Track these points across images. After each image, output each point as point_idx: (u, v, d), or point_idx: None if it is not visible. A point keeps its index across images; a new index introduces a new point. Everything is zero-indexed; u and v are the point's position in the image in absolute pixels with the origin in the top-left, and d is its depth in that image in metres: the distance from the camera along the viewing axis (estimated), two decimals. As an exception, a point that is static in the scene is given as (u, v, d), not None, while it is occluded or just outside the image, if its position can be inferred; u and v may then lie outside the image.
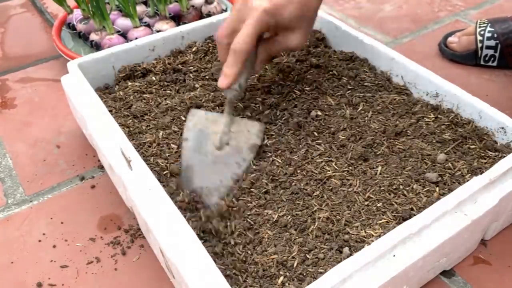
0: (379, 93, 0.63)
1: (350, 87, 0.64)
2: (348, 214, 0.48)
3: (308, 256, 0.45)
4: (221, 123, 0.55)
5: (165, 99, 0.63)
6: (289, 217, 0.48)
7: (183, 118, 0.59)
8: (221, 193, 0.51)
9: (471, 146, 0.54)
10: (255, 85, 0.65)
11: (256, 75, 0.64)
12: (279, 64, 0.68)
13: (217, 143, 0.54)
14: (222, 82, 0.53)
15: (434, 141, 0.55)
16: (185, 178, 0.52)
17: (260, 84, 0.65)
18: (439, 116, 0.58)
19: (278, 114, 0.60)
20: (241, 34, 0.51)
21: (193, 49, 0.71)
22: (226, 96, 0.56)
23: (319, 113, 0.59)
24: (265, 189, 0.51)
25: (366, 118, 0.59)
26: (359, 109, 0.60)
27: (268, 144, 0.56)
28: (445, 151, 0.54)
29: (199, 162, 0.53)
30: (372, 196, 0.49)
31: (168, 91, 0.65)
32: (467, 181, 0.47)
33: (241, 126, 0.56)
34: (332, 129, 0.57)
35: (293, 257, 0.44)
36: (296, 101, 0.62)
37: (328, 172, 0.52)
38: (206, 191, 0.52)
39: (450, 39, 0.83)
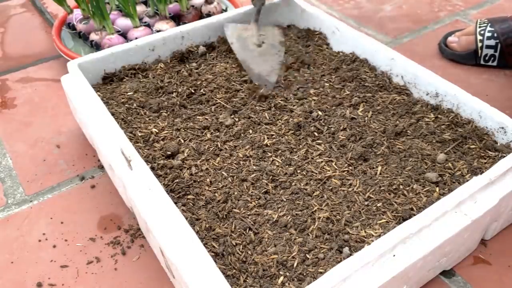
0: (379, 93, 0.63)
1: (351, 87, 0.64)
2: (348, 214, 0.48)
3: (308, 256, 0.45)
4: (252, 29, 0.72)
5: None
6: (289, 217, 0.48)
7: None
8: (277, 74, 0.67)
9: (471, 146, 0.54)
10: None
11: None
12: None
13: (257, 41, 0.71)
14: None
15: (434, 141, 0.55)
16: (246, 67, 0.68)
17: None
18: (439, 116, 0.58)
19: (278, 114, 0.60)
20: None
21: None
22: (254, 5, 0.73)
23: (320, 113, 0.59)
24: (265, 189, 0.51)
25: (366, 118, 0.59)
26: (359, 110, 0.60)
27: (268, 144, 0.56)
28: (445, 151, 0.54)
29: (249, 56, 0.69)
30: (372, 196, 0.50)
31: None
32: (467, 181, 0.47)
33: (266, 30, 0.74)
34: (332, 129, 0.57)
35: (293, 257, 0.44)
36: (296, 102, 0.62)
37: (328, 172, 0.52)
38: (266, 73, 0.67)
39: (450, 38, 0.83)
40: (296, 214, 0.48)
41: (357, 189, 0.50)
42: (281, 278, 0.43)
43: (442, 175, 0.51)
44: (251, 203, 0.50)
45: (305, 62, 0.69)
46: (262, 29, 0.74)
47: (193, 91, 0.65)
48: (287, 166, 0.53)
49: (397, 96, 0.61)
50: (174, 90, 0.65)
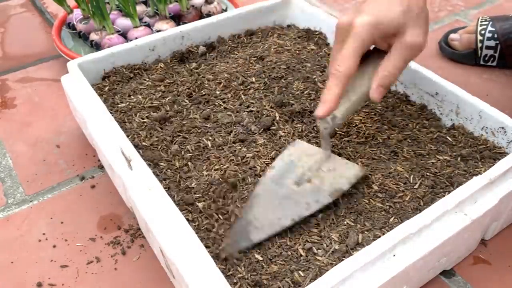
0: None
1: None
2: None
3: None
4: (314, 158, 0.50)
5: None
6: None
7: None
8: (272, 232, 0.46)
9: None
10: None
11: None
12: None
13: (300, 177, 0.49)
14: (319, 109, 0.48)
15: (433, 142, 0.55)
16: (249, 204, 0.48)
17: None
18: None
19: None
20: (341, 55, 0.47)
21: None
22: (319, 127, 0.50)
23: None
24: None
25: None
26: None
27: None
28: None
29: (269, 192, 0.48)
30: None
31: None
32: (467, 181, 0.47)
33: (336, 166, 0.50)
34: None
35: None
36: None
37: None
38: (258, 224, 0.46)
39: (452, 36, 0.82)
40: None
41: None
42: None
43: (440, 175, 0.52)
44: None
45: None
46: (333, 162, 0.51)
47: (193, 91, 0.65)
48: None
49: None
50: (174, 90, 0.65)
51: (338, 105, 0.48)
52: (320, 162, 0.50)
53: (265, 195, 0.48)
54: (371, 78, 0.49)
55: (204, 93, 0.64)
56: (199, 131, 0.59)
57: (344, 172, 0.49)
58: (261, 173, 0.52)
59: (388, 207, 0.49)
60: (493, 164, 0.48)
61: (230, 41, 0.75)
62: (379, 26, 0.47)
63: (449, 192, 0.47)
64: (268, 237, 0.46)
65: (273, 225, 0.46)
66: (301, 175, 0.49)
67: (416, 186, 0.51)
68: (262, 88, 0.65)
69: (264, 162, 0.54)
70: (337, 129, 0.58)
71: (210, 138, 0.57)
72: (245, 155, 0.54)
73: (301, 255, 0.45)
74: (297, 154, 0.51)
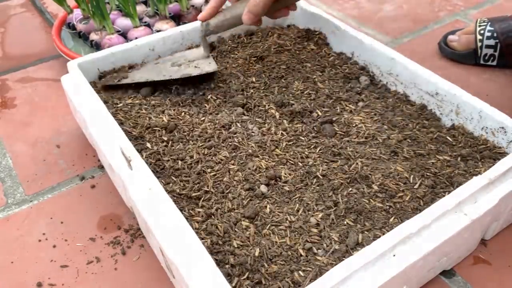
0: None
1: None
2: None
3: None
4: (195, 53, 0.68)
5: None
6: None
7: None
8: (134, 79, 0.64)
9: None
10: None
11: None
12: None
13: (174, 62, 0.67)
14: (199, 15, 0.63)
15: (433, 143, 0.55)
16: (136, 70, 0.66)
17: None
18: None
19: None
20: None
21: None
22: (201, 29, 0.64)
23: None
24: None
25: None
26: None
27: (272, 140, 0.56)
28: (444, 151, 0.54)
29: (155, 66, 0.67)
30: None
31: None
32: (467, 181, 0.47)
33: (202, 62, 0.66)
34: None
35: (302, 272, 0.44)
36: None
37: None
38: (138, 75, 0.65)
39: (450, 37, 0.83)
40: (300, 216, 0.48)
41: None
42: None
43: (440, 175, 0.52)
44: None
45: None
46: (205, 60, 0.67)
47: (193, 91, 0.65)
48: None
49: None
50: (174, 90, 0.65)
51: (212, 16, 0.63)
52: (197, 58, 0.67)
53: (150, 67, 0.67)
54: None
55: (204, 93, 0.64)
56: (200, 129, 0.59)
57: (203, 67, 0.65)
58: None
59: (388, 207, 0.49)
60: (493, 164, 0.48)
61: (230, 41, 0.75)
62: None
63: (449, 192, 0.47)
64: (131, 81, 0.64)
65: (139, 78, 0.64)
66: (177, 61, 0.67)
67: (416, 186, 0.51)
68: (262, 88, 0.65)
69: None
70: (337, 129, 0.58)
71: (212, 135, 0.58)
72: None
73: (301, 255, 0.45)
74: (190, 51, 0.70)
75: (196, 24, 0.72)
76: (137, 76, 0.65)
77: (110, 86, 0.65)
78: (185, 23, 0.85)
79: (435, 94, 0.60)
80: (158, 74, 0.65)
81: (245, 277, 0.43)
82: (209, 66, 0.65)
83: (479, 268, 0.51)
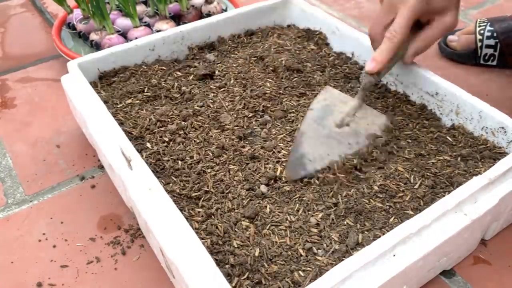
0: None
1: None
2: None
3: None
4: (349, 105, 0.57)
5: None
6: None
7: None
8: (323, 165, 0.52)
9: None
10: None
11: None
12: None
13: (338, 121, 0.56)
14: (370, 66, 0.55)
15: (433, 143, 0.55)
16: (297, 140, 0.55)
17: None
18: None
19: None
20: (397, 23, 0.54)
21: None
22: (362, 81, 0.57)
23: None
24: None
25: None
26: None
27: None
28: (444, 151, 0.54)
29: (314, 131, 0.55)
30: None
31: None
32: (467, 181, 0.47)
33: (367, 114, 0.57)
34: None
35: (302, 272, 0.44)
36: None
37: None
38: (310, 157, 0.53)
39: (450, 37, 0.83)
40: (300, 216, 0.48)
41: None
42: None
43: (439, 175, 0.51)
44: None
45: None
46: (364, 110, 0.57)
47: (193, 91, 0.65)
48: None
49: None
50: (174, 90, 0.65)
51: (384, 68, 0.56)
52: (355, 109, 0.56)
53: (310, 133, 0.55)
54: (407, 46, 0.58)
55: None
56: (201, 128, 0.59)
57: (375, 120, 0.56)
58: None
59: (388, 207, 0.49)
60: (493, 164, 0.48)
61: (230, 41, 0.75)
62: (429, 3, 0.54)
63: (449, 192, 0.47)
64: (320, 168, 0.52)
65: (323, 159, 0.53)
66: (341, 119, 0.56)
67: (416, 186, 0.51)
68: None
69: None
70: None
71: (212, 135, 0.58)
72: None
73: (301, 255, 0.45)
74: (331, 100, 0.58)
75: (196, 24, 0.72)
76: (317, 159, 0.53)
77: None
78: (185, 23, 0.85)
79: (435, 94, 0.60)
80: (334, 147, 0.54)
81: (245, 277, 0.43)
82: (379, 117, 0.56)
83: (479, 268, 0.51)
